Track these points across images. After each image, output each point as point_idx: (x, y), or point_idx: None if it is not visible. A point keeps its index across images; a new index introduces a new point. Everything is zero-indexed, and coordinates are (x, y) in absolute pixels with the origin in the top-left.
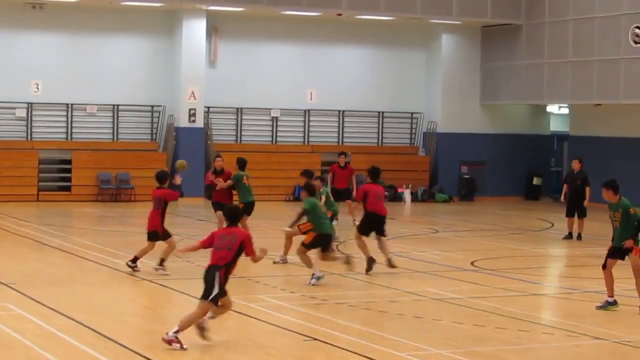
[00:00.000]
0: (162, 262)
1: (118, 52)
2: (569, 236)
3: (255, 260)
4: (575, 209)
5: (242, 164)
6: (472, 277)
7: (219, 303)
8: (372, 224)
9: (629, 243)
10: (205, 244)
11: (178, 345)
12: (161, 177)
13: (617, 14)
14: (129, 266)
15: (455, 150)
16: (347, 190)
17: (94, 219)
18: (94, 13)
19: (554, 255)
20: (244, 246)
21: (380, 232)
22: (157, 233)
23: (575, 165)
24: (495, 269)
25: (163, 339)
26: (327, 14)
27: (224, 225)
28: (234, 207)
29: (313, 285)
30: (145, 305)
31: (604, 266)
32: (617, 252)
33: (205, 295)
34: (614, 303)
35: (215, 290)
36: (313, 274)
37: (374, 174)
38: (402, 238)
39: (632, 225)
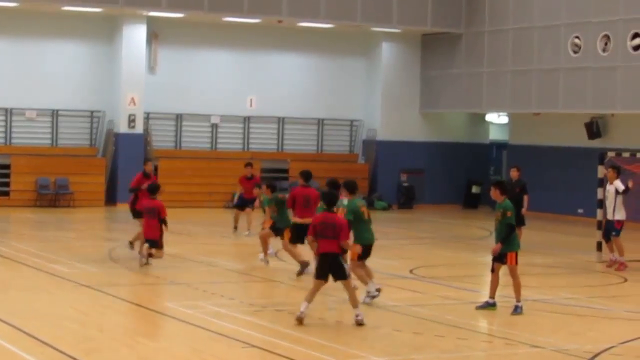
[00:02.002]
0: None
1: (58, 57)
2: None
3: None
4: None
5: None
6: (411, 285)
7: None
8: (301, 233)
9: (495, 249)
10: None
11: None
12: (152, 190)
13: (556, 24)
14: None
15: (394, 158)
16: (253, 200)
17: (32, 224)
18: (34, 18)
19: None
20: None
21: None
22: (156, 242)
23: (514, 173)
24: (434, 277)
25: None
26: (267, 21)
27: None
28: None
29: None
30: (83, 311)
31: (493, 270)
32: (499, 256)
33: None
34: (493, 305)
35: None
36: (368, 292)
37: (306, 176)
38: None
39: (504, 227)
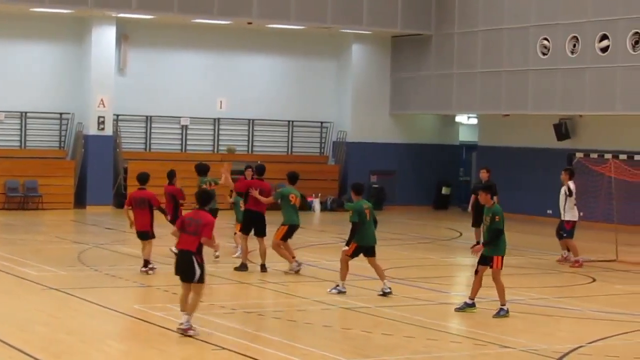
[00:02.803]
0: (146, 263)
1: (27, 59)
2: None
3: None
4: (482, 219)
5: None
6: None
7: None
8: (251, 222)
9: (477, 249)
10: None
11: (192, 331)
12: (142, 179)
13: (525, 26)
14: (145, 272)
15: (364, 160)
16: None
17: (0, 227)
18: (3, 19)
19: (462, 264)
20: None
21: (259, 233)
22: (147, 233)
23: (483, 175)
24: (404, 278)
25: (179, 329)
26: (237, 23)
27: None
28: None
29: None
30: (53, 314)
31: (476, 272)
32: (484, 259)
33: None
34: (472, 305)
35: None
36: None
37: (259, 170)
38: (312, 247)
39: (492, 231)
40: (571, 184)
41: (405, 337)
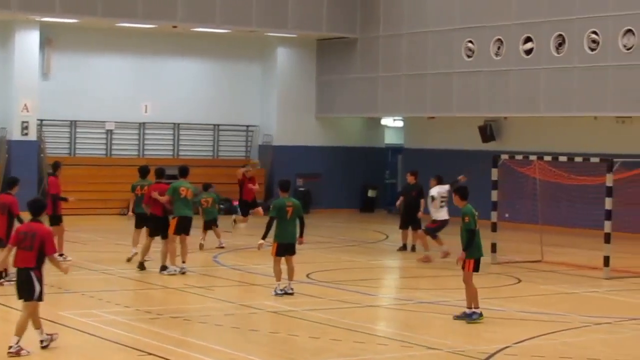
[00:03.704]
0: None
1: None
2: (404, 248)
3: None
4: (410, 221)
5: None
6: (308, 290)
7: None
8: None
9: (460, 257)
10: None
11: (25, 351)
12: (10, 183)
13: (450, 29)
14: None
15: (291, 163)
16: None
17: None
18: None
19: (388, 266)
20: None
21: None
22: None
23: (410, 178)
24: (330, 281)
25: (9, 353)
26: (162, 27)
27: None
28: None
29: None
30: None
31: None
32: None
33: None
34: (480, 315)
35: (37, 289)
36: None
37: (158, 173)
38: (239, 251)
39: (465, 232)
40: (434, 190)
41: (332, 340)
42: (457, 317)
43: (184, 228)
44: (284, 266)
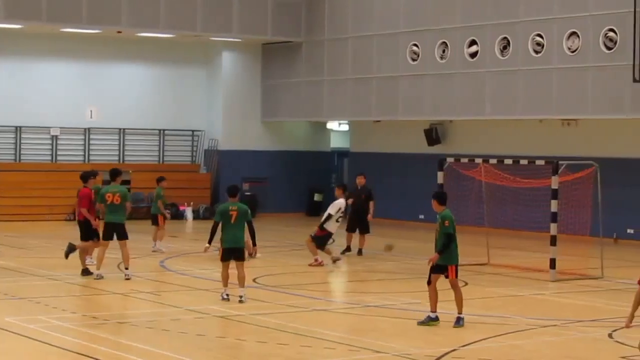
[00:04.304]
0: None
1: None
2: (347, 250)
3: None
4: (358, 224)
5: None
6: (255, 294)
7: None
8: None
9: (433, 258)
10: None
11: None
12: None
13: (395, 32)
14: None
15: (236, 168)
16: None
17: None
18: None
19: (335, 270)
20: None
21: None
22: None
23: (360, 180)
24: (277, 285)
25: None
26: (107, 32)
27: None
28: None
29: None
30: None
31: (429, 281)
32: (438, 267)
33: None
34: (436, 319)
35: None
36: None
37: (84, 177)
38: (185, 256)
39: (443, 236)
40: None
41: (279, 344)
42: (422, 323)
43: (109, 235)
44: (233, 271)
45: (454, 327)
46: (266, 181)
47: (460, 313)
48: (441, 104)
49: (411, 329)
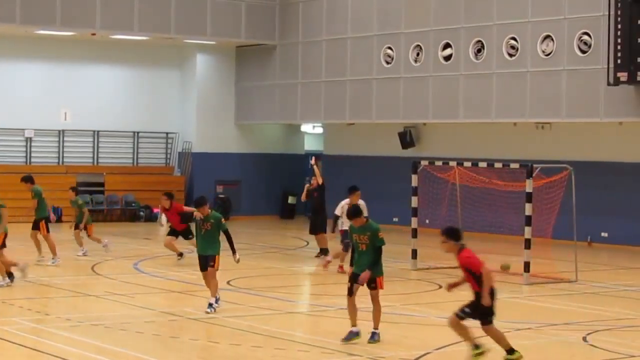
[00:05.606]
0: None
1: None
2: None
3: None
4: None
5: None
6: (229, 296)
7: None
8: None
9: (366, 276)
10: None
11: None
12: None
13: (369, 35)
14: None
15: (210, 170)
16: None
17: None
18: None
19: (309, 273)
20: None
21: None
22: None
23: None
24: (251, 287)
25: None
26: (81, 34)
27: None
28: None
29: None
30: None
31: (351, 293)
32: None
33: None
34: (358, 334)
35: None
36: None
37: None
38: (158, 258)
39: (374, 250)
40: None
41: (252, 347)
42: (346, 339)
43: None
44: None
45: (369, 342)
46: (240, 184)
47: (376, 328)
48: (415, 107)
49: (384, 331)
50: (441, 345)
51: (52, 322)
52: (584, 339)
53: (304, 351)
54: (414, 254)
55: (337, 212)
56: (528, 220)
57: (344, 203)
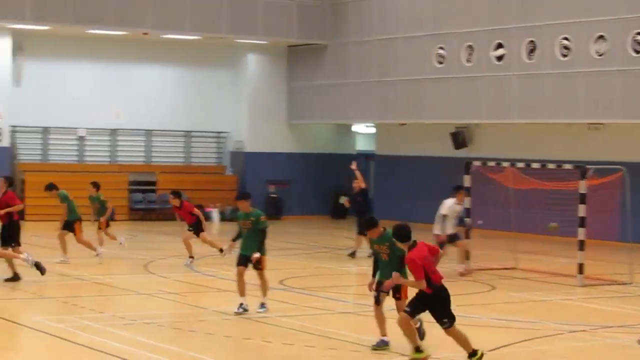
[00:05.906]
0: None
1: None
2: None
3: None
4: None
5: None
6: (281, 296)
7: None
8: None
9: (389, 283)
10: None
11: None
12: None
13: (420, 35)
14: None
15: (262, 170)
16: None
17: None
18: None
19: (360, 273)
20: None
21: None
22: None
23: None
24: (303, 287)
25: None
26: (133, 34)
27: None
28: None
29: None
30: None
31: (378, 302)
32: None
33: None
34: (388, 343)
35: None
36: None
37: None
38: (212, 257)
39: (398, 259)
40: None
41: (305, 347)
42: (376, 347)
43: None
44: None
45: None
46: (291, 183)
47: (384, 335)
48: (467, 107)
49: (436, 332)
50: (494, 347)
51: (106, 320)
52: (639, 342)
53: (356, 351)
54: (467, 255)
55: (444, 211)
56: (582, 222)
57: (451, 202)
